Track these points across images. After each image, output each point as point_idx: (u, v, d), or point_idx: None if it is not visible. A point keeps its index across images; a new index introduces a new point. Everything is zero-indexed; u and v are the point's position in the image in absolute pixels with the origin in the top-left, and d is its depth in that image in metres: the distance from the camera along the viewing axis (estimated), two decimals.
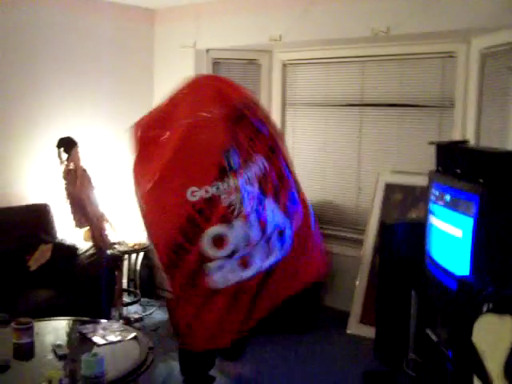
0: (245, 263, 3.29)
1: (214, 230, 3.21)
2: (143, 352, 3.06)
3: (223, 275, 3.27)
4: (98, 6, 5.12)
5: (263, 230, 3.30)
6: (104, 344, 3.13)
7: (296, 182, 3.57)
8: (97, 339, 3.18)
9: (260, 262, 3.32)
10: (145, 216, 3.40)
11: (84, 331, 3.29)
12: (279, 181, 3.43)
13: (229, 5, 5.10)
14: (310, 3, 4.63)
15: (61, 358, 2.97)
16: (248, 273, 3.30)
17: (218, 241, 3.22)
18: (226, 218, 3.22)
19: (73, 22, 4.96)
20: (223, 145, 3.21)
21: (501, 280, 2.45)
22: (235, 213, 3.22)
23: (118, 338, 3.21)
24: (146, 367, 2.96)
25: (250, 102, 3.41)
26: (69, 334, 3.36)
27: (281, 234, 3.40)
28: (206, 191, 3.17)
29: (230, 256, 3.25)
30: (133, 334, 3.25)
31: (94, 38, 5.14)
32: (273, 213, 3.35)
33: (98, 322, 3.47)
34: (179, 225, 3.20)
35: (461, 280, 2.63)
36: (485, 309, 2.22)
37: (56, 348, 3.05)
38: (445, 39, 4.35)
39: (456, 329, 2.52)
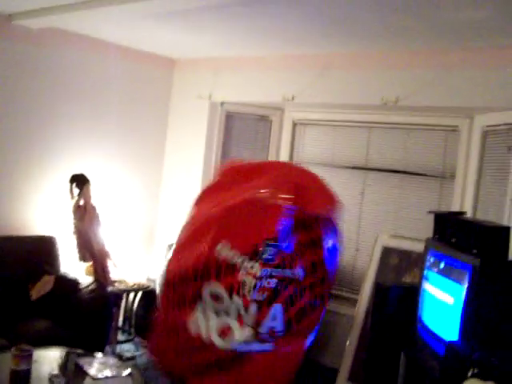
0: (223, 333, 3.21)
1: (217, 288, 3.19)
2: None
3: (201, 322, 3.24)
4: (119, 52, 5.31)
5: (257, 323, 3.21)
6: (100, 378, 3.21)
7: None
8: (93, 372, 3.27)
9: (236, 340, 3.21)
10: (182, 232, 3.48)
11: (81, 363, 3.38)
12: (298, 294, 3.30)
13: (246, 61, 5.33)
14: (324, 68, 4.87)
15: None
16: (219, 342, 3.21)
17: (215, 297, 3.21)
18: (232, 290, 3.18)
19: (93, 65, 5.16)
20: (269, 234, 3.17)
21: (487, 347, 2.56)
22: (241, 292, 3.16)
23: (114, 373, 3.30)
24: None
25: (326, 219, 3.34)
26: (66, 365, 3.41)
27: (272, 336, 3.28)
28: (232, 257, 3.17)
29: (218, 313, 3.23)
30: (128, 371, 3.34)
31: (113, 82, 5.31)
32: (274, 317, 3.24)
33: (94, 356, 3.56)
34: (198, 262, 3.22)
35: (449, 345, 2.74)
36: (470, 373, 2.33)
37: (53, 378, 3.13)
38: (449, 114, 4.57)
39: None
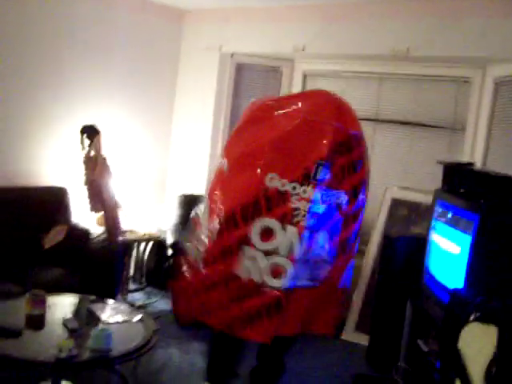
0: (275, 272, 3.21)
1: (270, 222, 3.18)
2: (148, 333, 3.24)
3: (251, 266, 3.22)
4: (128, 2, 5.28)
5: (307, 251, 3.25)
6: (112, 323, 3.30)
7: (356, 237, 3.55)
8: (105, 317, 3.36)
9: (288, 279, 3.22)
10: (219, 176, 3.40)
11: (93, 309, 3.47)
12: (343, 224, 3.40)
13: (256, 12, 5.28)
14: (333, 18, 4.82)
15: (71, 330, 3.15)
16: (273, 282, 3.21)
17: (266, 233, 3.19)
18: (285, 219, 3.18)
19: (102, 15, 5.11)
20: (320, 155, 3.17)
21: (491, 294, 2.60)
22: (295, 219, 3.18)
23: (125, 318, 3.39)
24: (150, 347, 3.13)
25: (362, 139, 3.41)
26: (79, 310, 3.51)
27: (317, 264, 3.35)
28: (283, 184, 3.16)
29: (268, 254, 3.21)
30: (139, 316, 3.43)
31: (123, 33, 5.29)
32: (322, 245, 3.31)
33: (106, 302, 3.65)
34: (244, 200, 3.20)
35: (453, 292, 2.78)
36: (472, 317, 2.37)
37: (66, 321, 3.22)
38: (461, 64, 4.52)
39: (445, 335, 2.66)
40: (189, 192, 5.35)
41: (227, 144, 3.52)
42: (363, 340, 4.56)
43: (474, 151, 4.47)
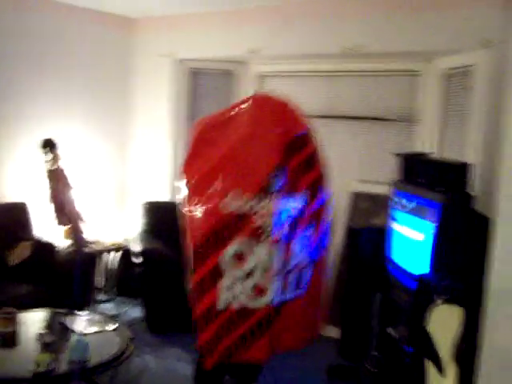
0: (258, 292, 3.21)
1: (237, 246, 3.16)
2: (124, 342, 3.26)
3: (229, 296, 3.21)
4: (76, 13, 5.26)
5: (284, 263, 3.25)
6: (87, 334, 3.31)
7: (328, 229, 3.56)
8: (79, 329, 3.36)
9: (271, 296, 3.22)
10: (186, 207, 3.32)
11: (66, 322, 3.47)
12: (315, 221, 3.43)
13: (207, 16, 5.31)
14: (285, 20, 4.91)
15: (46, 345, 3.14)
16: (258, 302, 3.22)
17: (238, 257, 3.18)
18: (253, 238, 3.17)
19: (51, 27, 5.11)
20: (272, 166, 3.16)
21: (456, 277, 2.71)
22: (263, 236, 3.16)
23: (100, 328, 3.40)
24: (127, 356, 3.16)
25: (310, 137, 3.40)
26: (51, 324, 3.51)
27: (300, 272, 3.38)
28: (241, 206, 3.14)
29: (244, 278, 3.20)
30: (114, 326, 3.45)
31: (74, 45, 5.29)
32: (299, 249, 3.34)
33: (78, 314, 3.65)
34: (207, 231, 3.16)
35: (420, 277, 2.89)
36: (439, 300, 2.49)
37: (40, 336, 3.21)
38: (409, 58, 4.66)
39: (415, 318, 2.77)
40: (153, 199, 5.38)
41: (183, 168, 3.36)
42: (333, 333, 4.65)
43: (428, 141, 4.60)
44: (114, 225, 5.55)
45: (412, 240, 3.49)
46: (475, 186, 3.62)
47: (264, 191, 3.14)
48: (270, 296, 3.20)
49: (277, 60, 5.34)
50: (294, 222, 3.28)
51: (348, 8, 4.63)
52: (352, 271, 4.37)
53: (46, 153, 4.53)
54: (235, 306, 3.21)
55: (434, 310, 2.49)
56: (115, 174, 5.74)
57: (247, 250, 3.16)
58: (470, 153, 4.08)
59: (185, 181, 3.25)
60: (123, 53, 5.75)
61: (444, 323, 2.47)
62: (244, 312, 3.22)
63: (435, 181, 3.31)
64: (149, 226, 5.17)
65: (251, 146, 3.18)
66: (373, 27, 4.51)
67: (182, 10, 5.31)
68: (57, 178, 4.56)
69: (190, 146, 3.38)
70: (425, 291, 2.71)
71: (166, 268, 4.69)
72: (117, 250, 5.20)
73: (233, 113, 3.39)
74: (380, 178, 4.83)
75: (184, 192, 3.26)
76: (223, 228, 3.14)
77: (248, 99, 3.44)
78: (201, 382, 3.53)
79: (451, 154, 4.33)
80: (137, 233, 5.13)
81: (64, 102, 5.21)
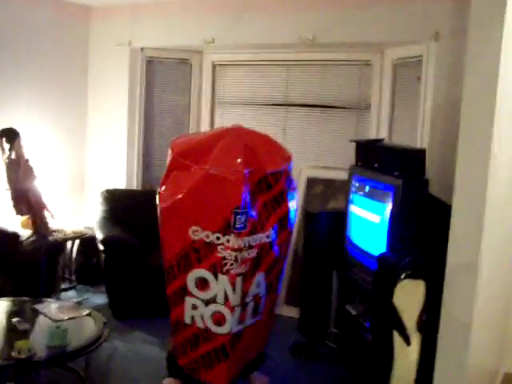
0: (217, 319, 3.34)
1: (202, 272, 3.30)
2: (99, 326, 3.37)
3: (194, 314, 3.37)
4: (35, 1, 5.24)
5: (243, 295, 3.35)
6: (62, 320, 3.39)
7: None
8: (54, 316, 3.44)
9: (231, 325, 3.33)
10: (160, 227, 3.43)
11: (39, 309, 3.54)
12: (278, 258, 3.55)
13: (165, 5, 5.37)
14: (242, 9, 5.03)
15: (22, 332, 3.22)
16: (217, 329, 3.35)
17: (202, 283, 3.32)
18: (216, 269, 3.28)
19: (9, 16, 5.06)
20: (235, 204, 3.19)
21: (413, 254, 2.94)
22: (225, 268, 3.25)
23: (74, 314, 3.49)
24: (104, 339, 3.26)
25: (282, 174, 3.46)
26: (24, 312, 3.57)
27: (257, 302, 3.49)
28: (207, 236, 3.24)
29: (207, 303, 3.34)
30: (87, 311, 3.54)
31: (31, 32, 5.26)
32: (258, 285, 3.44)
33: (49, 302, 3.72)
34: (176, 253, 3.33)
35: (381, 256, 3.11)
36: (403, 276, 2.71)
37: (17, 324, 3.28)
38: (362, 49, 4.88)
39: (378, 296, 2.99)
40: (111, 187, 5.44)
41: (160, 191, 3.41)
42: (293, 313, 4.86)
43: (379, 128, 4.85)
44: (74, 213, 5.59)
45: (369, 222, 3.71)
46: (427, 170, 3.88)
47: (228, 227, 3.20)
48: (229, 326, 3.32)
49: (233, 49, 5.47)
50: (259, 258, 3.38)
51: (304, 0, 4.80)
52: (309, 253, 4.57)
53: (3, 142, 4.54)
54: (198, 324, 3.38)
55: (398, 284, 2.72)
56: (74, 163, 5.76)
57: (209, 278, 3.29)
58: (419, 139, 4.34)
59: (159, 202, 3.36)
60: (81, 41, 5.75)
61: (408, 297, 2.70)
62: (206, 333, 3.38)
63: (390, 165, 3.52)
64: (108, 213, 5.23)
65: (217, 182, 3.21)
66: (327, 18, 4.69)
67: None
68: (15, 168, 4.58)
69: (166, 169, 3.43)
70: (386, 268, 2.92)
71: (126, 254, 4.76)
72: (78, 237, 5.24)
73: (208, 141, 3.44)
74: (334, 163, 5.06)
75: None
76: (191, 251, 3.29)
77: (224, 131, 3.50)
78: (172, 366, 3.67)
79: (401, 140, 4.59)
80: (96, 220, 5.19)
81: (22, 90, 5.19)
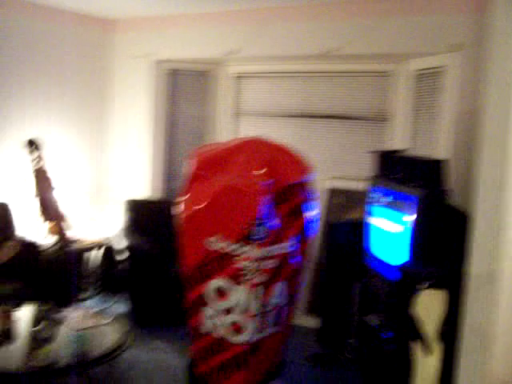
0: (235, 329, 3.35)
1: (220, 282, 3.32)
2: (121, 334, 3.39)
3: (211, 324, 3.39)
4: (55, 14, 5.32)
5: (263, 306, 3.36)
6: (84, 328, 3.42)
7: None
8: (76, 323, 3.47)
9: (250, 334, 3.35)
10: (179, 236, 3.47)
11: (60, 317, 3.58)
12: (298, 268, 3.54)
13: (187, 18, 5.45)
14: (262, 22, 5.08)
15: (43, 340, 3.25)
16: (235, 338, 3.36)
17: (220, 293, 3.33)
18: (235, 278, 3.29)
19: (31, 29, 5.15)
20: (253, 215, 3.22)
21: (435, 264, 2.93)
22: (244, 278, 3.27)
23: (96, 322, 3.52)
24: (126, 347, 3.29)
25: (302, 185, 3.48)
26: (46, 320, 3.59)
27: (278, 312, 3.49)
28: (225, 246, 3.27)
29: (225, 312, 3.36)
30: (109, 319, 3.56)
31: (55, 45, 5.36)
32: (279, 294, 3.44)
33: (71, 310, 3.75)
34: (194, 262, 3.36)
35: (403, 266, 3.10)
36: (423, 286, 2.70)
37: (39, 331, 3.32)
38: (384, 59, 4.89)
39: (400, 305, 2.98)
40: (133, 197, 5.49)
41: (180, 201, 3.47)
42: (313, 323, 4.85)
43: (400, 139, 4.84)
44: (95, 223, 5.65)
45: (389, 232, 3.70)
46: (449, 181, 3.87)
47: (245, 238, 3.23)
48: (248, 335, 3.34)
49: (254, 61, 5.50)
50: (279, 267, 3.38)
51: (324, 12, 4.82)
52: (330, 263, 4.57)
53: (31, 151, 4.62)
54: (215, 335, 3.39)
55: (420, 294, 2.71)
56: (95, 174, 5.83)
57: (228, 288, 3.30)
58: (440, 150, 4.32)
59: (179, 212, 3.40)
60: (102, 53, 5.83)
61: (429, 306, 2.69)
62: (223, 343, 3.39)
63: (411, 176, 3.52)
64: (131, 222, 5.29)
65: (235, 194, 3.25)
66: (348, 30, 4.72)
67: (160, 12, 5.43)
68: (41, 177, 4.65)
69: (186, 180, 3.47)
70: (408, 279, 2.92)
71: (150, 262, 4.82)
72: (99, 247, 5.29)
73: (227, 153, 3.46)
74: (355, 174, 5.05)
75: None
76: (208, 262, 3.32)
77: (244, 143, 3.52)
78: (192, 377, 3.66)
79: (422, 151, 4.57)
80: (120, 229, 5.24)
81: (43, 102, 5.28)
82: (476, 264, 2.57)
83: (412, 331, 2.75)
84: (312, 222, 3.57)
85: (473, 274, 2.57)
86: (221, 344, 3.40)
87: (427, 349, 2.71)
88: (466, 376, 2.63)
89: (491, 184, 2.56)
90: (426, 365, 2.74)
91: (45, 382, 3.24)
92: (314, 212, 3.61)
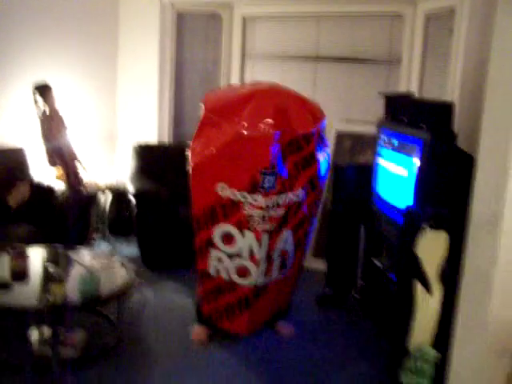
0: (241, 272, 3.43)
1: (228, 227, 3.37)
2: (130, 274, 3.48)
3: (219, 266, 3.47)
4: None
5: (269, 252, 3.42)
6: (94, 267, 3.52)
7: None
8: (87, 263, 3.57)
9: (255, 278, 3.44)
10: (190, 181, 3.48)
11: (73, 256, 3.67)
12: (307, 217, 3.58)
13: None
14: None
15: (57, 278, 3.34)
16: (241, 281, 3.45)
17: (227, 238, 3.39)
18: (242, 225, 3.34)
19: None
20: (263, 164, 3.22)
21: (438, 205, 2.96)
22: (251, 225, 3.32)
23: (106, 262, 3.61)
24: (135, 287, 3.38)
25: (314, 135, 3.45)
26: (59, 259, 3.68)
27: (284, 257, 3.56)
28: (234, 194, 3.29)
29: (232, 256, 3.43)
30: (118, 260, 3.65)
31: None
32: (285, 241, 3.49)
33: (82, 250, 3.85)
34: (204, 206, 3.39)
35: (407, 208, 3.13)
36: (425, 226, 2.74)
37: (51, 270, 3.40)
38: (394, 1, 4.80)
39: (403, 247, 3.03)
40: (142, 142, 5.52)
41: (192, 145, 3.46)
42: (321, 265, 4.93)
43: (410, 81, 4.80)
44: (107, 166, 5.70)
45: (397, 175, 3.72)
46: (456, 124, 3.85)
47: (255, 186, 3.25)
48: (253, 278, 3.43)
49: (263, 2, 5.42)
50: (286, 216, 3.41)
51: None
52: (337, 206, 4.61)
53: (38, 95, 4.63)
54: (223, 276, 3.48)
55: (421, 235, 2.75)
56: (105, 117, 5.83)
57: (236, 233, 3.36)
58: (448, 94, 4.28)
59: (190, 157, 3.40)
60: None
61: (431, 247, 2.74)
62: (230, 284, 3.47)
63: (419, 119, 3.50)
64: (140, 167, 5.33)
65: (246, 142, 3.22)
66: None
67: None
68: (49, 123, 4.68)
69: (198, 125, 3.45)
70: (412, 220, 2.95)
71: (157, 206, 4.88)
72: (110, 190, 5.35)
73: (239, 99, 3.40)
74: (363, 117, 5.04)
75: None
76: (217, 207, 3.34)
77: (256, 90, 3.46)
78: (200, 314, 3.80)
79: (432, 94, 4.53)
80: (128, 174, 5.29)
81: (54, 45, 5.26)
82: (478, 205, 2.59)
83: (414, 272, 2.80)
84: (322, 170, 3.57)
85: (474, 216, 2.60)
86: (227, 286, 3.49)
87: (427, 289, 2.77)
88: (466, 317, 2.68)
89: (495, 125, 2.56)
90: (426, 305, 2.81)
91: (58, 318, 3.35)
92: (325, 161, 3.60)
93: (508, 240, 2.59)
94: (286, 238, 3.48)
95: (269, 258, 3.43)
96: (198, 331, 3.77)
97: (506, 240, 2.56)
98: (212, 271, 3.50)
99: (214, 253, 3.45)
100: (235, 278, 3.45)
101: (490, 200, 2.52)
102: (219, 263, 3.46)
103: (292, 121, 3.31)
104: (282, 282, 3.64)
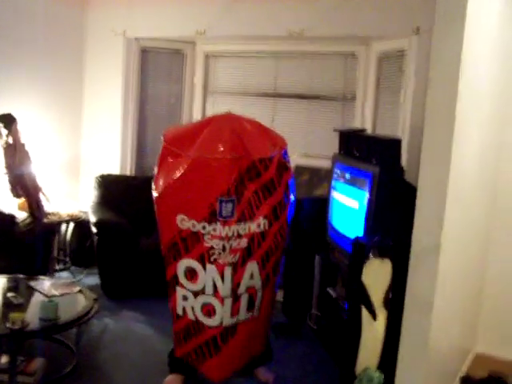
0: (207, 311, 3.30)
1: (190, 262, 3.27)
2: (89, 302, 3.55)
3: (185, 305, 3.34)
4: None
5: (234, 287, 3.28)
6: (54, 295, 3.58)
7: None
8: (47, 291, 3.63)
9: (221, 317, 3.30)
10: (155, 214, 3.42)
11: (33, 285, 3.72)
12: (273, 249, 3.43)
13: None
14: (233, 1, 5.19)
15: (16, 306, 3.40)
16: (207, 321, 3.31)
17: (191, 274, 3.28)
18: (204, 258, 3.23)
19: (4, 3, 5.12)
20: (220, 191, 3.14)
21: (385, 235, 3.12)
22: (212, 258, 3.22)
23: (66, 290, 3.67)
24: (94, 313, 3.45)
25: (272, 160, 3.33)
26: (19, 288, 3.75)
27: (252, 295, 3.39)
28: (193, 225, 3.20)
29: (196, 294, 3.30)
30: (78, 288, 3.72)
31: (25, 19, 5.32)
32: (251, 276, 3.34)
33: (43, 279, 3.90)
34: (168, 240, 3.32)
35: (356, 238, 3.30)
36: (371, 255, 2.90)
37: (12, 298, 3.47)
38: (349, 41, 5.05)
39: (351, 275, 3.18)
40: (105, 173, 5.61)
41: (154, 179, 3.40)
42: (278, 295, 5.03)
43: (364, 118, 5.03)
44: (69, 197, 5.76)
45: (349, 207, 3.90)
46: (407, 158, 4.08)
47: (214, 215, 3.16)
48: (219, 318, 3.29)
49: (224, 40, 5.62)
50: (249, 248, 3.29)
51: None
52: (293, 237, 4.73)
53: (0, 127, 4.71)
54: (190, 316, 3.35)
55: (367, 263, 2.91)
56: (69, 148, 5.90)
57: (198, 268, 3.25)
58: (400, 129, 4.52)
59: (153, 190, 3.37)
60: (76, 29, 5.86)
61: (376, 275, 2.89)
62: (197, 325, 3.34)
63: (370, 154, 3.71)
64: (102, 197, 5.42)
65: (202, 168, 3.17)
66: (314, 12, 4.88)
67: None
68: (12, 153, 4.75)
69: (158, 158, 3.40)
70: (360, 249, 3.11)
71: (118, 237, 4.94)
72: (72, 220, 5.40)
73: (196, 128, 3.39)
74: (320, 152, 5.24)
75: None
76: (179, 241, 3.26)
77: (212, 117, 3.48)
78: (172, 361, 3.63)
79: (384, 130, 4.76)
80: (90, 204, 5.36)
81: (18, 77, 5.30)
82: (419, 235, 2.76)
83: (360, 298, 2.95)
84: (286, 201, 3.46)
85: (415, 245, 2.77)
86: (194, 326, 3.35)
87: (373, 314, 2.92)
88: (409, 342, 2.80)
89: (433, 160, 2.75)
90: (372, 330, 2.95)
91: (17, 344, 3.39)
92: (290, 191, 3.50)
93: (446, 268, 2.77)
94: (252, 272, 3.34)
95: (234, 295, 3.30)
96: (171, 381, 3.53)
97: (444, 267, 2.74)
98: (179, 311, 3.39)
99: (179, 291, 3.34)
100: (201, 317, 3.31)
101: (430, 230, 2.69)
102: (185, 302, 3.34)
103: (248, 146, 3.23)
104: (252, 323, 3.46)
